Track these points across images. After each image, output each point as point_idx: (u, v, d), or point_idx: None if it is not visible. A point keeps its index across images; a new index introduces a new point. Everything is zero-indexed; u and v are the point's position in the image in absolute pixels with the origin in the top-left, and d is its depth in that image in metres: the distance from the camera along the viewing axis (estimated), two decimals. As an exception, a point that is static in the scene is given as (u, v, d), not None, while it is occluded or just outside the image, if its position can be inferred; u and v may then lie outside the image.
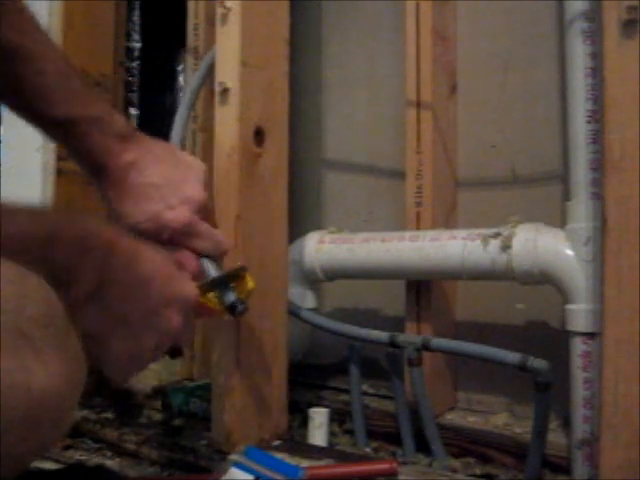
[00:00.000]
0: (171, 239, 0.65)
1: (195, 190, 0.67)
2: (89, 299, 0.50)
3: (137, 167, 0.65)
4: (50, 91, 0.61)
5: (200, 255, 0.66)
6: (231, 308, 0.64)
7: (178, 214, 0.65)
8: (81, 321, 0.53)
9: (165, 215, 0.65)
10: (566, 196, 0.80)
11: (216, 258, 0.68)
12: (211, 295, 0.64)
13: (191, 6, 1.20)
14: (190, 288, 0.58)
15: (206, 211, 0.68)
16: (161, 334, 0.56)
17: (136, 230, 0.64)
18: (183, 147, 0.92)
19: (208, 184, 0.70)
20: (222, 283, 0.65)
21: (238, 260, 0.73)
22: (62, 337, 0.40)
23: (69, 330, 0.42)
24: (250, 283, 0.67)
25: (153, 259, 0.56)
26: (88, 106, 0.63)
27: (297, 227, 1.05)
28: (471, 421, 0.93)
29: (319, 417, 0.86)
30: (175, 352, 0.92)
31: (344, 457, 0.74)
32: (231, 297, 0.64)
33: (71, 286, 0.45)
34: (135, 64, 1.33)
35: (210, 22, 1.12)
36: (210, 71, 0.87)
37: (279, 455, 0.73)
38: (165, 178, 0.66)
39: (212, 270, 0.66)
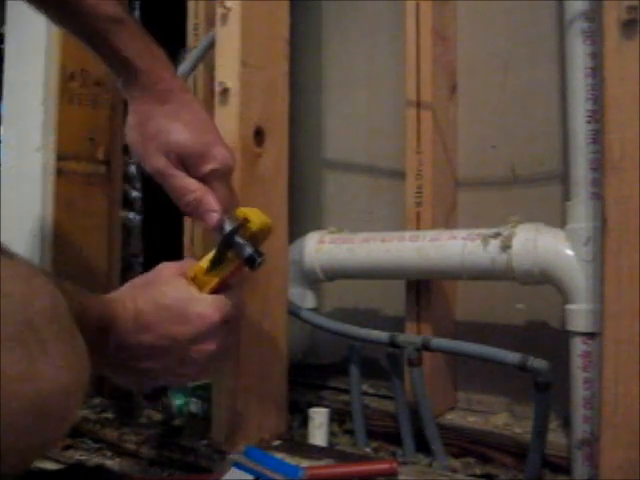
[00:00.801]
0: (206, 174, 0.64)
1: (227, 145, 0.67)
2: (108, 359, 0.53)
3: (185, 95, 0.66)
4: None
5: None
6: (249, 261, 0.61)
7: (228, 154, 0.65)
8: (111, 377, 0.55)
9: (217, 149, 0.64)
10: (566, 196, 0.80)
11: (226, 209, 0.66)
12: (230, 254, 0.62)
13: (191, 6, 1.20)
14: (210, 313, 0.58)
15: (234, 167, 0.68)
16: (198, 364, 0.59)
17: (182, 147, 0.63)
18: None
19: None
20: (233, 237, 0.61)
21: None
22: (68, 334, 0.41)
23: (74, 328, 0.42)
24: (253, 224, 0.62)
25: (160, 308, 0.56)
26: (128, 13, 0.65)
27: (297, 227, 1.05)
28: (471, 421, 0.93)
29: (319, 417, 0.86)
30: None
31: (344, 457, 0.74)
32: (248, 250, 0.61)
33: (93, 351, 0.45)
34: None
35: (210, 22, 1.12)
36: (208, 51, 0.88)
37: (279, 455, 0.73)
38: (208, 117, 0.67)
39: (227, 223, 0.63)
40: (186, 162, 0.64)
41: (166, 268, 0.62)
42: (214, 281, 0.61)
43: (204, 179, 0.64)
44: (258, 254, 0.61)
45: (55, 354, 0.39)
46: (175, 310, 0.57)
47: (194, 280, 0.61)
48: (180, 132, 0.63)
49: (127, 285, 0.61)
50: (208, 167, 0.64)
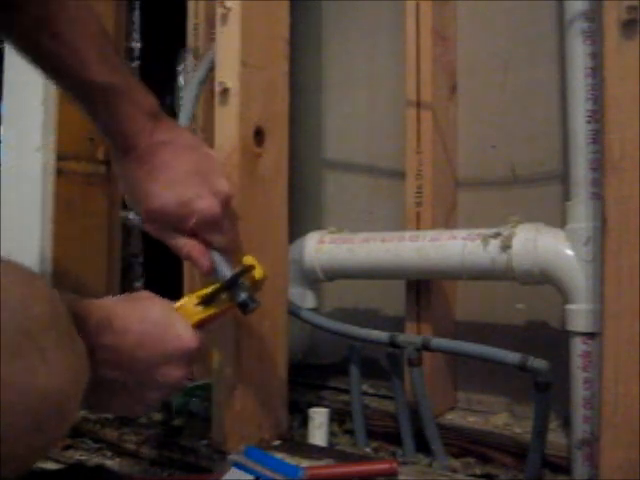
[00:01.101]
0: (193, 228, 0.65)
1: (223, 183, 0.66)
2: None
3: (169, 149, 0.64)
4: (87, 53, 0.59)
5: (212, 248, 0.66)
6: (242, 306, 0.63)
7: (210, 204, 0.64)
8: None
9: (197, 203, 0.64)
10: (566, 196, 0.80)
11: (226, 252, 0.67)
12: (223, 296, 0.64)
13: (191, 6, 1.20)
14: (189, 338, 0.57)
15: (229, 206, 0.68)
16: (161, 390, 0.57)
17: (160, 212, 0.64)
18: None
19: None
20: (233, 282, 0.63)
21: (236, 262, 0.73)
22: (66, 339, 0.41)
23: (73, 333, 0.42)
24: (259, 272, 0.66)
25: (141, 320, 0.55)
26: (123, 75, 0.62)
27: (297, 227, 1.05)
28: (471, 421, 0.93)
29: (319, 417, 0.86)
30: None
31: (344, 457, 0.74)
32: (242, 295, 0.63)
33: None
34: (135, 64, 1.33)
35: (210, 22, 1.12)
36: (209, 72, 0.87)
37: (279, 455, 0.73)
38: (196, 165, 0.65)
39: (224, 267, 0.65)
40: (170, 222, 0.65)
41: (149, 293, 0.62)
42: (202, 315, 0.62)
43: (193, 232, 0.65)
44: (252, 300, 0.63)
45: (55, 362, 0.39)
46: (156, 325, 0.56)
47: (179, 309, 0.61)
48: (158, 196, 0.64)
49: (104, 297, 0.59)
50: (191, 222, 0.64)
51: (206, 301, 0.62)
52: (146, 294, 0.60)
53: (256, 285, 0.67)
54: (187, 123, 0.88)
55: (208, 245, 0.66)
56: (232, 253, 0.68)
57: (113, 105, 0.61)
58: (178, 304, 0.62)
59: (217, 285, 0.63)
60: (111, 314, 0.54)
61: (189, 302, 0.62)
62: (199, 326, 0.61)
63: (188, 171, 0.64)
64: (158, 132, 0.64)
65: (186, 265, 1.15)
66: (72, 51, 0.59)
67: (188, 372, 0.58)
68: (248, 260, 0.67)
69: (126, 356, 0.53)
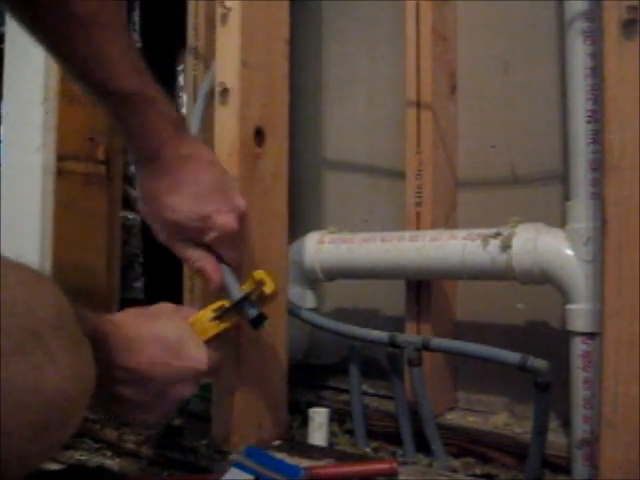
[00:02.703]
0: (209, 242, 0.66)
1: (240, 200, 0.68)
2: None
3: (193, 163, 0.65)
4: (116, 61, 0.59)
5: (222, 262, 0.67)
6: (254, 323, 0.65)
7: (229, 220, 0.66)
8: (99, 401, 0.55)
9: (217, 218, 0.65)
10: (566, 196, 0.80)
11: (236, 267, 0.69)
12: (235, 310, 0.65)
13: (191, 6, 1.20)
14: (200, 359, 0.59)
15: (244, 222, 0.69)
16: (172, 404, 0.60)
17: (179, 224, 0.65)
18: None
19: None
20: (245, 299, 0.65)
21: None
22: (73, 340, 0.41)
23: (80, 334, 0.42)
24: (269, 287, 0.66)
25: (157, 340, 0.57)
26: (149, 84, 0.62)
27: (297, 227, 1.05)
28: (471, 421, 0.93)
29: (319, 417, 0.86)
30: None
31: (344, 457, 0.74)
32: (253, 312, 0.65)
33: None
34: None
35: (210, 22, 1.12)
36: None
37: (279, 455, 0.73)
38: (217, 181, 0.66)
39: (235, 284, 0.66)
40: (188, 234, 0.66)
41: (167, 306, 0.64)
42: (214, 331, 0.64)
43: (208, 246, 0.67)
44: (263, 317, 0.65)
45: (62, 363, 0.39)
46: (172, 344, 0.58)
47: (193, 325, 0.63)
48: (178, 209, 0.64)
49: (123, 312, 0.61)
50: (209, 237, 0.66)
51: (219, 316, 0.64)
52: (164, 308, 0.63)
53: (266, 299, 0.67)
54: (196, 134, 0.88)
55: (220, 259, 0.67)
56: (241, 268, 0.70)
57: (142, 113, 0.61)
58: (193, 319, 0.64)
59: (231, 301, 0.65)
60: (129, 334, 0.56)
61: (204, 316, 0.64)
62: (212, 339, 0.63)
63: (210, 186, 0.65)
64: (183, 144, 0.65)
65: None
66: (104, 57, 0.58)
67: (197, 388, 0.61)
68: (259, 275, 0.67)
69: (141, 376, 0.56)
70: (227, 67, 0.77)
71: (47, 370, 0.38)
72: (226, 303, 0.65)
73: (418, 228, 0.97)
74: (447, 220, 1.00)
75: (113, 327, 0.55)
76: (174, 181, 0.64)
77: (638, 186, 0.61)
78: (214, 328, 0.64)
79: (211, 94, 0.83)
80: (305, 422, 0.89)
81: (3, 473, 0.36)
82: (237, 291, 0.65)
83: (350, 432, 0.93)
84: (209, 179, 0.66)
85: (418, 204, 0.98)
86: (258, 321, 0.65)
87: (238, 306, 0.65)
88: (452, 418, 0.95)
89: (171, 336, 0.58)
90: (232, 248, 0.68)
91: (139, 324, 0.58)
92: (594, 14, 0.72)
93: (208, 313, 0.65)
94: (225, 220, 0.65)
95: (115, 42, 0.59)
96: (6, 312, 0.36)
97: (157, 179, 0.64)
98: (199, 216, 0.64)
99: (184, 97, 1.35)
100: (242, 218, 0.67)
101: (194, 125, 0.92)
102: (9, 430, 0.35)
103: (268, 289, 0.66)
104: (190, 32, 1.19)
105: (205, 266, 0.66)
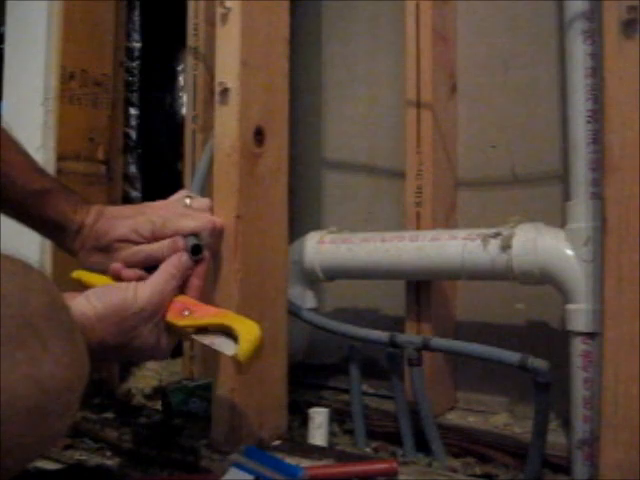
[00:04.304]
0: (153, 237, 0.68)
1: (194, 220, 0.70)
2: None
3: (116, 210, 0.71)
4: (23, 165, 0.68)
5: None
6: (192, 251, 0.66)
7: (207, 216, 0.71)
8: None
9: (194, 216, 0.69)
10: (566, 196, 0.80)
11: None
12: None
13: (191, 6, 1.20)
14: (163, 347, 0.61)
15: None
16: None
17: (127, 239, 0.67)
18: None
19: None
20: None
21: (236, 262, 0.73)
22: (66, 329, 0.41)
23: (71, 322, 0.42)
24: (246, 344, 0.57)
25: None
26: (51, 179, 0.71)
27: (297, 227, 1.05)
28: (471, 421, 0.93)
29: (319, 417, 0.86)
30: (174, 351, 0.92)
31: (344, 457, 0.74)
32: (192, 240, 0.66)
33: None
34: (135, 64, 1.33)
35: (210, 22, 1.12)
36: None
37: (279, 455, 0.72)
38: (137, 209, 0.71)
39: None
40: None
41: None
42: (185, 322, 0.62)
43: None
44: (199, 247, 0.67)
45: (57, 351, 0.39)
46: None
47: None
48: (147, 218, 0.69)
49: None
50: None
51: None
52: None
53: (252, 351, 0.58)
54: (198, 193, 0.88)
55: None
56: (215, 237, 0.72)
57: (53, 204, 0.68)
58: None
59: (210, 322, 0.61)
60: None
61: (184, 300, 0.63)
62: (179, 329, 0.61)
63: (130, 210, 0.72)
64: (97, 208, 0.71)
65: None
66: (10, 165, 0.66)
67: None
68: (234, 323, 0.59)
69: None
70: (227, 67, 0.77)
71: (42, 358, 0.38)
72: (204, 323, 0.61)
73: (418, 228, 0.97)
74: (447, 220, 1.00)
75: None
76: (108, 225, 0.69)
77: (638, 186, 0.61)
78: (184, 319, 0.61)
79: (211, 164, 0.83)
80: (305, 422, 0.89)
81: (5, 462, 0.36)
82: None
83: (350, 432, 0.93)
84: (128, 209, 0.72)
85: (418, 204, 0.98)
86: (195, 250, 0.66)
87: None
88: (452, 418, 0.95)
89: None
90: (190, 219, 0.69)
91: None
92: (594, 14, 0.73)
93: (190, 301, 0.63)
94: (204, 215, 0.70)
95: (17, 152, 0.68)
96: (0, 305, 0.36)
97: (92, 236, 0.69)
98: (129, 230, 0.68)
99: (184, 97, 1.35)
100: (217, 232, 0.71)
101: (195, 189, 0.93)
102: (8, 418, 0.36)
103: (240, 353, 0.56)
104: (190, 32, 1.19)
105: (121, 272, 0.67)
